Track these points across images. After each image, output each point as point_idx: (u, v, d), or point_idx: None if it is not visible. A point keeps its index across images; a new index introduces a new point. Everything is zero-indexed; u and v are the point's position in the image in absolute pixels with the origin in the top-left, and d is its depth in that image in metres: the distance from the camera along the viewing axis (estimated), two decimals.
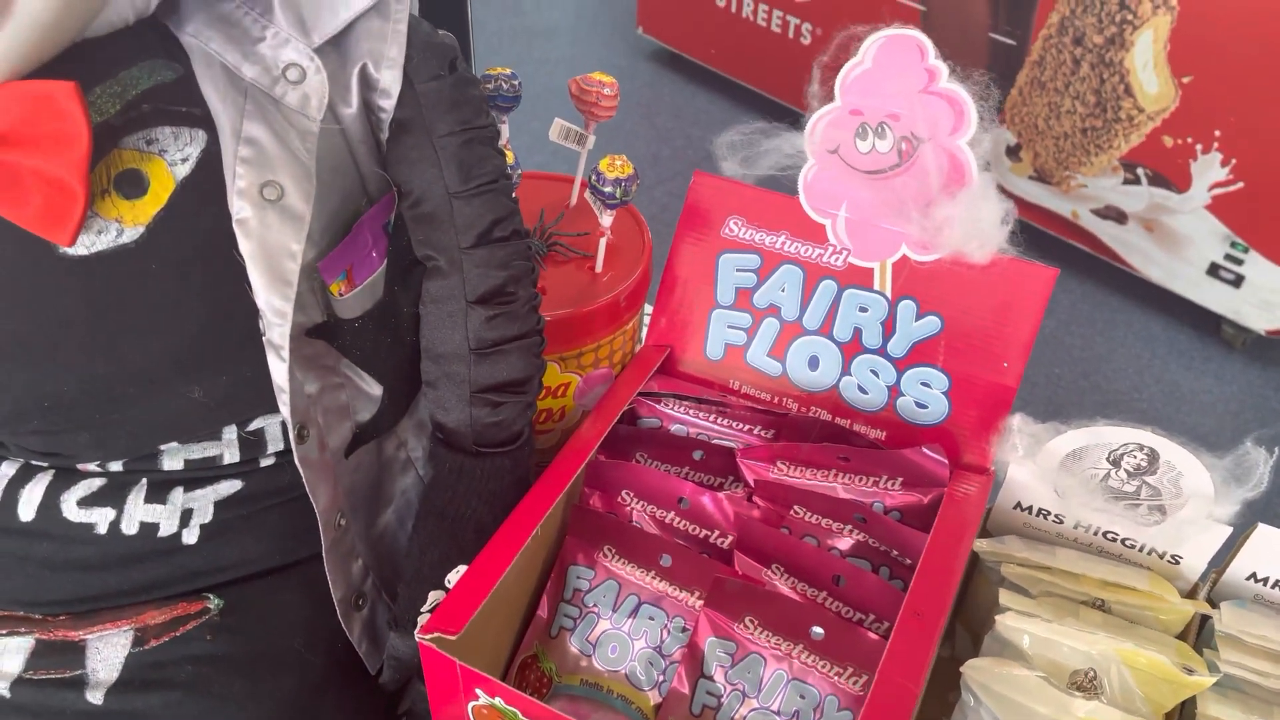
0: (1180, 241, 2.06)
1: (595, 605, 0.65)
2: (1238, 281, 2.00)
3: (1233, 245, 1.98)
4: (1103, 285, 2.24)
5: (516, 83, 0.70)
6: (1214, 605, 0.62)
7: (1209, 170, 1.97)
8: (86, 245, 0.49)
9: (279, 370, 0.53)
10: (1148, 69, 1.99)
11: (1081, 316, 2.19)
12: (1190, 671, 0.57)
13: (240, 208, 0.50)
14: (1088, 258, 2.22)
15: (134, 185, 0.49)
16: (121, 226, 0.50)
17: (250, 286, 0.52)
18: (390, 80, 0.54)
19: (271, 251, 0.51)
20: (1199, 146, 1.97)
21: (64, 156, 0.46)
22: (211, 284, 0.52)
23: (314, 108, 0.52)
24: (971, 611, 0.69)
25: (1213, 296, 2.04)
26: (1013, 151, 2.25)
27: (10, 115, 0.45)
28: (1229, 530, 0.59)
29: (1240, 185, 1.94)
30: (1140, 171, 2.07)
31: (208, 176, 0.50)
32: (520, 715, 0.53)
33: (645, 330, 0.72)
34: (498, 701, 0.53)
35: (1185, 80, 1.92)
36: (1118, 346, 2.11)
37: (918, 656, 0.53)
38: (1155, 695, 0.58)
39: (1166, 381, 2.04)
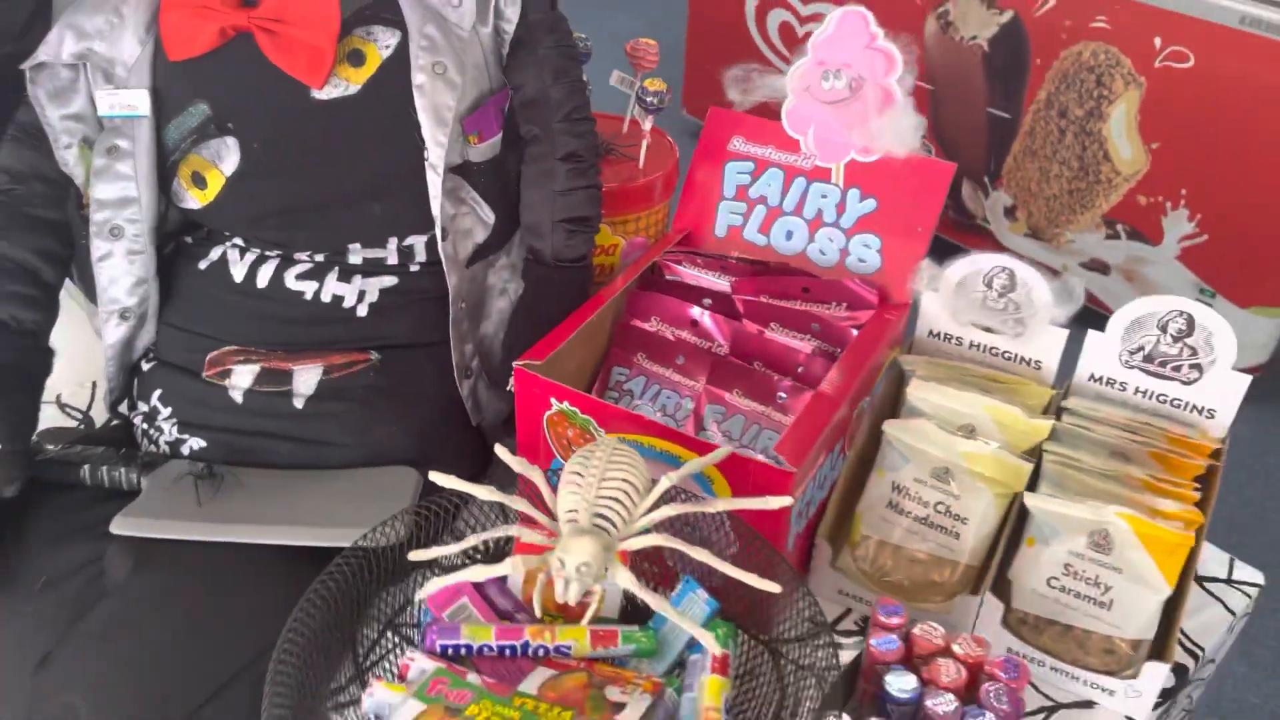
0: (1157, 289, 2.32)
1: (630, 390, 0.92)
2: None
3: (1201, 291, 2.24)
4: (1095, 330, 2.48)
5: (589, 44, 1.01)
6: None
7: (1178, 225, 2.25)
8: (327, 94, 0.80)
9: (434, 184, 0.83)
10: (1122, 137, 2.29)
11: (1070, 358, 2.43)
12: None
13: (419, 77, 0.81)
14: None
15: (357, 59, 0.80)
16: (348, 84, 0.80)
17: (421, 136, 0.82)
18: (513, 12, 0.85)
19: (437, 105, 0.81)
20: (1168, 204, 2.25)
21: (322, 31, 0.78)
22: (395, 130, 0.82)
23: (466, 22, 0.83)
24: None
25: None
26: (1010, 212, 2.54)
27: (298, 3, 0.77)
28: (1066, 331, 0.86)
29: (1205, 238, 2.21)
30: (1119, 227, 2.35)
31: (400, 58, 0.81)
32: (579, 412, 0.80)
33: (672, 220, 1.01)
34: (565, 405, 0.81)
35: (1154, 146, 2.22)
36: None
37: (830, 399, 0.80)
38: (1013, 439, 0.84)
39: None
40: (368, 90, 0.81)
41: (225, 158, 0.81)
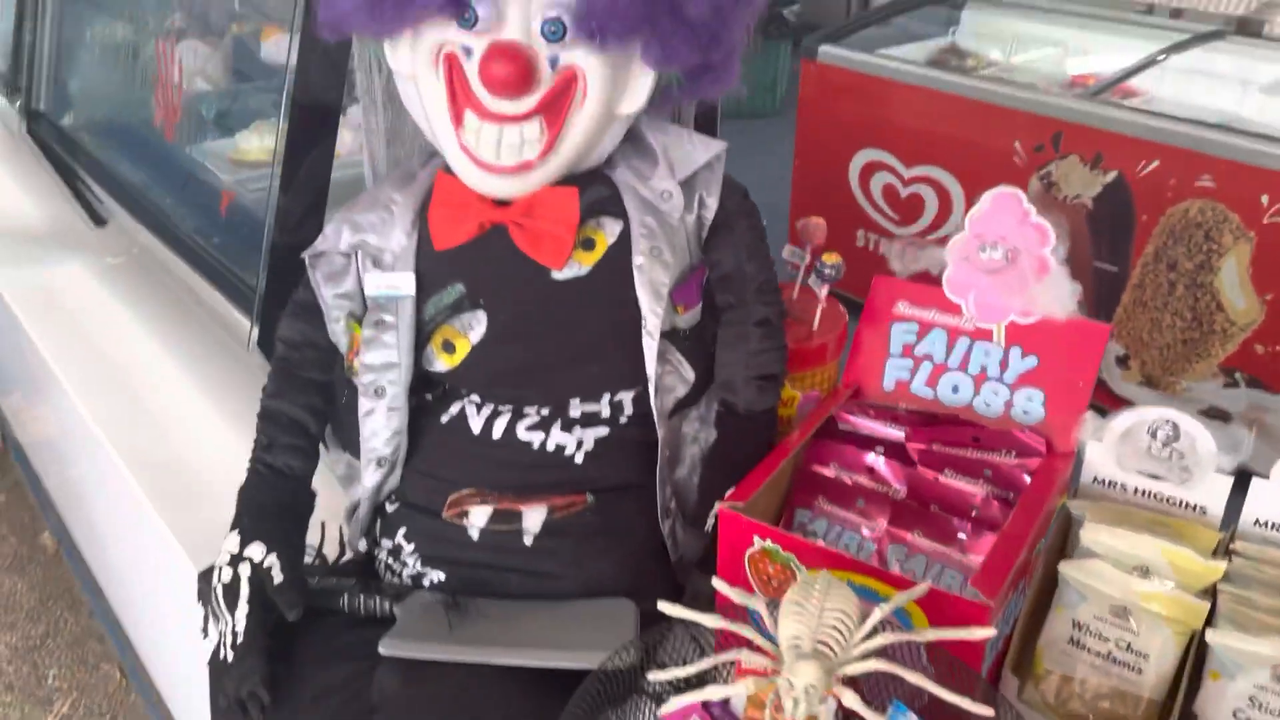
0: None
1: (813, 532, 1.01)
2: None
3: None
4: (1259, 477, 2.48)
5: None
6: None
7: None
8: (564, 275, 0.94)
9: (650, 348, 0.95)
10: (1234, 289, 2.34)
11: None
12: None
13: (639, 259, 0.94)
14: None
15: (588, 245, 0.95)
16: (581, 266, 0.94)
17: (639, 307, 0.94)
18: (712, 202, 0.99)
19: (654, 282, 0.94)
20: None
21: (564, 225, 0.92)
22: (617, 303, 0.95)
23: (676, 212, 0.97)
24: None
25: None
26: (1122, 361, 2.59)
27: (545, 202, 0.92)
28: (1230, 479, 0.92)
29: None
30: (1238, 376, 2.38)
31: (623, 243, 0.95)
32: (780, 550, 0.89)
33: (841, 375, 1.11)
34: (768, 543, 0.90)
35: (1267, 297, 2.27)
36: None
37: (1016, 538, 0.88)
38: (1186, 580, 0.90)
39: None
40: (597, 270, 0.94)
41: (474, 328, 0.95)
